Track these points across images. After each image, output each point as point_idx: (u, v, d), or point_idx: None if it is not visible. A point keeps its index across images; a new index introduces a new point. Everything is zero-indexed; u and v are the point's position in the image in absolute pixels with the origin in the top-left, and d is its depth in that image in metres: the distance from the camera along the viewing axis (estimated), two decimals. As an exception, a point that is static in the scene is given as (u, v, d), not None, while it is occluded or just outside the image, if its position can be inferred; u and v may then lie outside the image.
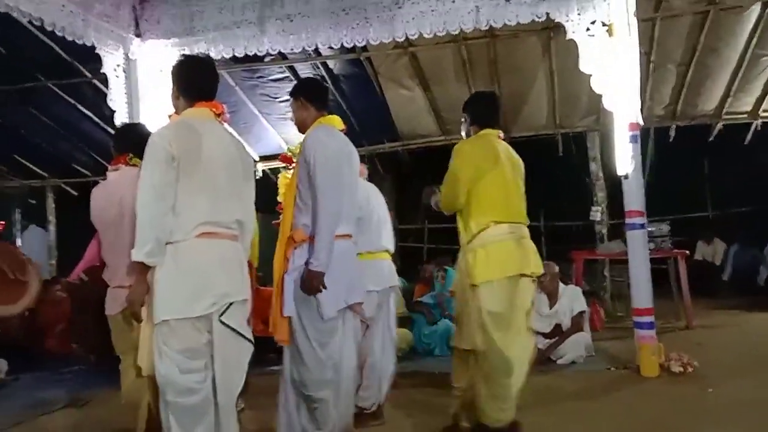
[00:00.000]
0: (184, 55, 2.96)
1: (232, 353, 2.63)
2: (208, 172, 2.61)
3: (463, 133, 3.53)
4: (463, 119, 3.53)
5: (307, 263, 2.93)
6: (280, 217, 3.32)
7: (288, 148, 3.28)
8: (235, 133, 3.10)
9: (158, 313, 2.52)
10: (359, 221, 3.82)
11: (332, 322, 3.01)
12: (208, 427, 2.56)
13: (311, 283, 2.91)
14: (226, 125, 2.83)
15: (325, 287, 2.93)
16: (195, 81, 2.78)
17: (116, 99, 5.39)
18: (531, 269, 3.26)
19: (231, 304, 2.60)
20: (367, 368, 3.83)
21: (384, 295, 3.99)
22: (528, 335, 3.31)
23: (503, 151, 3.36)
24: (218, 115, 2.78)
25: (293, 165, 3.15)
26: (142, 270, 2.55)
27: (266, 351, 6.12)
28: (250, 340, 2.69)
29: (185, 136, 2.62)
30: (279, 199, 3.40)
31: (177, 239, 2.55)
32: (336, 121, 3.24)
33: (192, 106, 2.73)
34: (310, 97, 3.23)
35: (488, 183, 3.24)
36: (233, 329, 2.60)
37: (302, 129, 3.24)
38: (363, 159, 4.06)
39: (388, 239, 4.10)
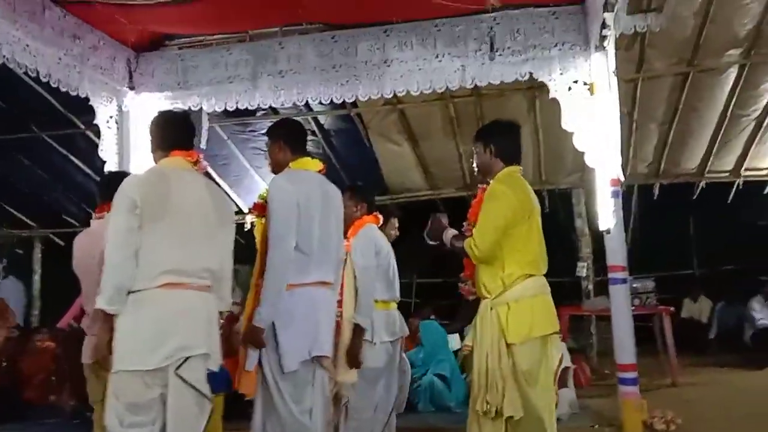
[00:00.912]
0: (160, 112, 3.05)
1: (186, 409, 2.55)
2: (175, 220, 2.60)
3: (474, 165, 3.20)
4: (477, 149, 3.14)
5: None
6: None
7: (260, 195, 3.25)
8: (221, 183, 3.12)
9: (114, 364, 2.50)
10: (378, 269, 3.85)
11: (301, 375, 2.89)
12: None
13: (250, 338, 2.83)
14: (205, 173, 2.88)
15: (263, 344, 2.82)
16: (168, 133, 2.85)
17: (107, 150, 5.46)
18: (558, 326, 3.05)
19: (188, 357, 2.53)
20: (358, 422, 3.76)
21: (395, 346, 3.99)
22: (553, 395, 3.05)
23: (533, 195, 3.08)
24: (194, 163, 2.80)
25: (263, 213, 3.11)
26: (105, 318, 2.53)
27: (248, 406, 6.07)
28: (208, 397, 2.61)
29: (152, 183, 2.65)
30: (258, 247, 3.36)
31: (139, 288, 2.53)
32: (309, 164, 3.14)
33: (167, 156, 2.78)
34: (288, 138, 3.15)
35: (524, 231, 2.95)
36: (190, 384, 2.53)
37: (277, 171, 3.14)
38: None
39: (398, 289, 4.09)
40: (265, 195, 3.07)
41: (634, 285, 6.52)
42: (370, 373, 3.76)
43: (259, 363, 2.90)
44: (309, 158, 3.20)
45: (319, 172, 3.18)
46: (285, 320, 2.88)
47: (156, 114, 3.05)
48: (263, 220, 3.03)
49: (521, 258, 2.93)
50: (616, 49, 4.80)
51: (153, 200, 2.57)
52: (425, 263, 9.57)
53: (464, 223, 3.16)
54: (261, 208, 3.09)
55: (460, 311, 8.02)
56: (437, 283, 10.66)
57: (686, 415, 4.71)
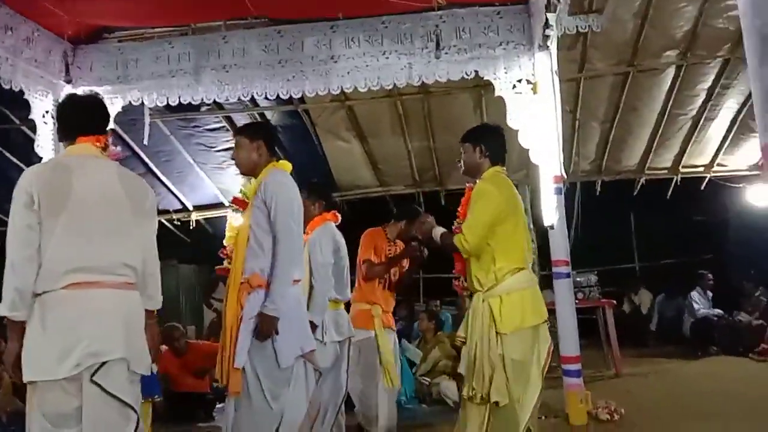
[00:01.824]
0: (67, 95, 2.77)
1: (105, 419, 2.31)
2: (77, 213, 2.37)
3: (461, 164, 3.36)
4: (466, 149, 3.33)
5: (261, 309, 2.86)
6: (224, 262, 3.22)
7: (241, 190, 3.23)
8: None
9: (24, 373, 2.29)
10: (335, 268, 3.84)
11: (288, 372, 2.93)
12: None
13: (266, 328, 2.83)
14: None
15: (278, 332, 2.86)
16: (73, 119, 2.60)
17: (44, 146, 5.25)
18: (546, 316, 3.20)
19: (105, 363, 2.31)
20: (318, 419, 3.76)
21: (342, 346, 3.97)
22: (540, 386, 3.15)
23: (517, 193, 3.29)
24: (103, 149, 2.57)
25: (246, 208, 3.11)
26: (12, 326, 2.33)
27: (197, 407, 5.97)
28: (131, 407, 2.39)
29: (50, 175, 2.42)
30: (225, 243, 3.32)
31: (44, 290, 2.32)
32: (288, 167, 3.24)
33: (73, 144, 2.54)
34: (269, 142, 3.21)
35: (511, 227, 3.14)
36: (108, 392, 2.31)
37: (249, 171, 3.18)
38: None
39: (349, 289, 4.12)
40: (246, 191, 3.08)
41: (578, 279, 6.69)
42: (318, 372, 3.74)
43: None
44: (286, 161, 3.29)
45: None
46: (283, 318, 2.89)
47: (62, 98, 2.82)
48: (237, 217, 3.04)
49: (511, 253, 3.12)
50: (559, 49, 4.89)
51: (51, 193, 2.34)
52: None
53: (455, 221, 3.31)
54: (243, 204, 3.10)
55: (405, 308, 8.09)
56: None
57: (629, 405, 4.85)
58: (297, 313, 3.01)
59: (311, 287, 3.65)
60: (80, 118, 2.59)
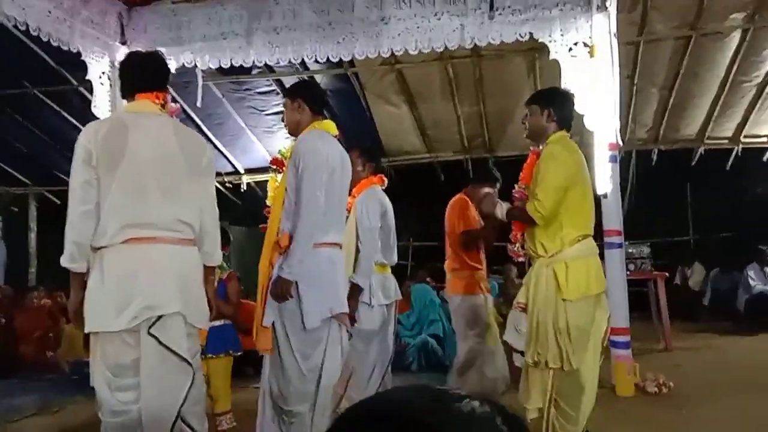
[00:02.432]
0: (128, 53, 2.78)
1: (161, 371, 2.37)
2: (135, 169, 2.39)
3: (526, 125, 3.23)
4: (533, 111, 3.19)
5: (278, 271, 2.86)
6: (268, 222, 3.23)
7: (279, 151, 3.22)
8: (216, 143, 3.02)
9: (86, 325, 2.37)
10: (381, 231, 3.84)
11: (316, 333, 2.92)
12: None
13: (279, 291, 2.84)
14: (198, 131, 2.75)
15: (291, 296, 2.85)
16: (131, 76, 2.61)
17: (100, 106, 5.37)
18: (605, 285, 3.15)
19: (161, 317, 2.36)
20: (357, 380, 3.81)
21: (390, 309, 3.99)
22: (599, 353, 3.11)
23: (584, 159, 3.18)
24: (162, 106, 2.58)
25: (284, 168, 3.10)
26: (74, 277, 2.41)
27: (244, 364, 6.11)
28: (188, 362, 2.42)
29: (108, 130, 2.43)
30: (267, 202, 3.35)
31: (102, 245, 2.36)
32: (330, 127, 3.15)
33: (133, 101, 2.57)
34: (308, 99, 3.13)
35: (580, 193, 3.04)
36: (164, 345, 2.36)
37: (294, 131, 3.14)
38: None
39: (396, 253, 4.11)
40: (285, 151, 3.05)
41: (630, 250, 6.54)
42: (367, 335, 3.78)
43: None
44: (330, 122, 3.20)
45: (335, 137, 3.16)
46: (308, 279, 2.89)
47: (125, 56, 2.83)
48: (277, 177, 3.01)
49: (578, 219, 3.03)
50: (618, 11, 4.72)
51: (108, 150, 2.37)
52: (420, 226, 9.56)
53: (516, 186, 3.26)
54: (280, 164, 3.08)
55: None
56: (433, 246, 10.69)
57: (678, 379, 4.75)
58: (326, 275, 2.97)
59: (357, 250, 3.62)
60: (140, 75, 2.61)
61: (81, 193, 2.36)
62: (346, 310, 3.10)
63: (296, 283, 2.89)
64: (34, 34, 4.59)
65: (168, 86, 2.76)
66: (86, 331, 2.38)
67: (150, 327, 2.35)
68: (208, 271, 2.64)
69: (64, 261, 2.38)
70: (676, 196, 10.11)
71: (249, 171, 8.77)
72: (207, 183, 2.66)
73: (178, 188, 2.49)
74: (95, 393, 2.43)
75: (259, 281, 3.00)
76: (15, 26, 4.57)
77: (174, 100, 6.92)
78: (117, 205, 2.37)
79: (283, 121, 3.31)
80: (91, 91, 5.63)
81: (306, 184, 2.87)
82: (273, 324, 2.92)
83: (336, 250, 3.07)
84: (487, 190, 4.15)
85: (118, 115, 2.60)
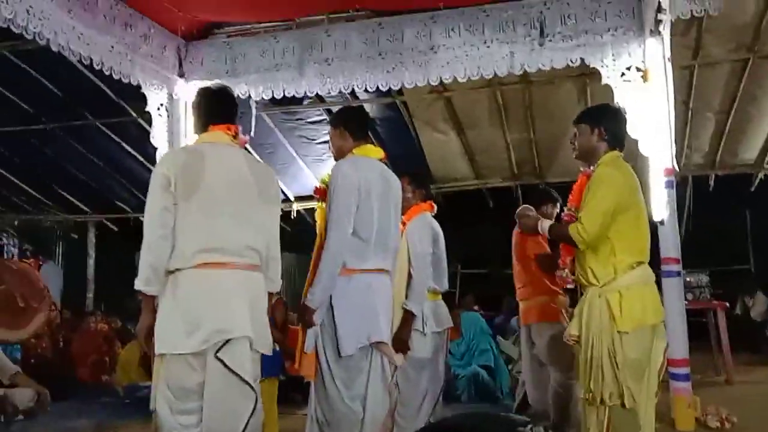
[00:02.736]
0: (200, 88, 2.88)
1: (225, 395, 2.42)
2: (210, 196, 2.49)
3: (575, 146, 3.10)
4: (582, 131, 3.06)
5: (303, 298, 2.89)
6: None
7: (322, 179, 3.26)
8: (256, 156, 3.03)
9: (156, 346, 2.43)
10: (433, 257, 3.82)
11: (356, 361, 2.91)
12: None
13: (300, 317, 2.88)
14: (246, 149, 2.76)
15: (314, 323, 2.85)
16: (204, 109, 2.73)
17: (158, 137, 5.56)
18: (663, 315, 2.99)
19: (229, 340, 2.43)
20: (407, 410, 3.76)
21: (442, 337, 3.96)
22: (656, 386, 2.95)
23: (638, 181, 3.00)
24: (234, 137, 2.69)
25: (324, 197, 3.13)
26: (146, 300, 2.48)
27: (291, 390, 6.12)
28: (251, 385, 2.48)
29: (186, 158, 2.55)
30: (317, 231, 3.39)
31: (176, 267, 2.45)
32: (370, 151, 3.14)
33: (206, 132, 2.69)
34: (349, 126, 3.15)
35: (633, 217, 2.88)
36: (230, 369, 2.42)
37: (339, 158, 3.16)
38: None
39: (447, 280, 4.09)
40: (326, 179, 3.08)
41: (688, 279, 6.33)
42: (419, 363, 3.75)
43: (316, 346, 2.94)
44: (371, 146, 3.20)
45: (380, 160, 3.17)
46: (343, 305, 2.90)
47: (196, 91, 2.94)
48: (324, 205, 3.04)
49: (632, 244, 2.88)
50: (671, 34, 4.63)
51: (186, 177, 2.47)
52: (468, 253, 9.49)
53: (565, 209, 3.15)
54: (322, 193, 3.11)
55: (503, 303, 7.97)
56: (482, 274, 10.58)
57: (741, 414, 4.56)
58: (363, 302, 2.94)
59: (410, 276, 3.57)
60: (212, 108, 2.73)
61: (159, 218, 2.45)
62: (384, 338, 3.04)
63: (332, 309, 2.89)
64: (98, 68, 4.80)
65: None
66: (156, 353, 2.44)
67: (217, 351, 2.41)
68: (269, 297, 2.71)
69: (140, 284, 2.45)
70: (735, 223, 9.80)
71: (299, 198, 8.88)
72: (275, 211, 2.76)
73: (249, 215, 2.58)
74: (151, 416, 2.47)
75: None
76: (79, 61, 4.79)
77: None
78: (193, 229, 2.46)
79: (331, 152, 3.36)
80: (147, 122, 5.85)
81: (332, 209, 2.90)
82: (317, 351, 2.92)
83: (379, 277, 3.03)
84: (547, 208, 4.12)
85: (194, 144, 2.70)
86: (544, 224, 3.12)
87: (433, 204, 4.09)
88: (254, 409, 2.49)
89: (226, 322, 2.44)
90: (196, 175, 2.49)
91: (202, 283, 2.45)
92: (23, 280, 4.63)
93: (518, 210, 3.19)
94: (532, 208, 3.24)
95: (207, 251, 2.46)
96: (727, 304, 6.94)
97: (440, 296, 4.01)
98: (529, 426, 3.10)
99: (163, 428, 2.42)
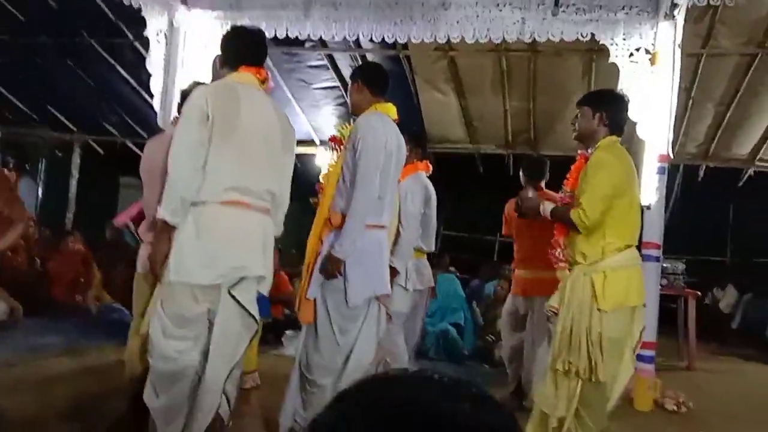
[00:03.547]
0: (233, 26, 2.91)
1: (233, 328, 2.54)
2: (243, 137, 2.53)
3: (575, 128, 3.14)
4: (584, 113, 3.08)
5: (330, 249, 2.90)
6: (319, 196, 3.28)
7: (338, 129, 3.25)
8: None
9: (168, 274, 2.47)
10: (423, 217, 3.84)
11: (357, 310, 2.98)
12: (177, 397, 2.49)
13: (329, 268, 2.89)
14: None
15: (341, 274, 2.89)
16: (238, 48, 2.74)
17: (154, 64, 5.45)
18: (644, 298, 3.07)
19: (243, 278, 2.52)
20: (386, 365, 3.83)
21: (423, 295, 4.00)
22: (632, 365, 3.08)
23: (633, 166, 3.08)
24: (263, 82, 2.70)
25: (341, 147, 3.13)
26: (165, 229, 2.48)
27: (265, 331, 6.19)
28: (255, 319, 2.61)
29: (224, 96, 2.56)
30: (320, 179, 3.39)
31: (202, 200, 2.48)
32: (390, 110, 3.15)
33: (236, 72, 2.68)
34: (367, 81, 3.14)
35: (627, 202, 2.96)
36: (241, 305, 2.53)
37: (355, 112, 3.18)
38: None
39: (434, 240, 4.12)
40: (343, 130, 3.07)
41: (664, 265, 6.41)
42: (398, 317, 3.80)
43: None
44: (391, 104, 3.18)
45: (394, 122, 3.17)
46: (356, 258, 2.92)
47: (230, 28, 2.96)
48: (336, 156, 3.04)
49: (623, 228, 2.95)
50: (685, 20, 4.58)
51: (224, 115, 2.49)
52: (453, 216, 9.52)
53: (561, 191, 3.18)
54: (338, 142, 3.11)
55: (481, 268, 8.06)
56: (463, 237, 10.65)
57: (698, 400, 4.68)
58: (374, 256, 3.02)
59: (398, 234, 3.62)
60: (245, 49, 2.73)
61: (194, 151, 2.47)
62: (389, 291, 3.15)
63: (344, 261, 2.93)
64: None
65: None
66: (166, 280, 2.48)
67: (231, 287, 2.50)
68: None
69: (165, 214, 2.45)
70: (718, 216, 9.89)
71: (290, 142, 8.82)
72: (291, 159, 2.84)
73: (273, 161, 2.66)
74: (125, 341, 2.54)
75: (306, 255, 3.04)
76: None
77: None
78: (225, 167, 2.49)
79: (343, 102, 3.35)
80: (144, 47, 5.71)
81: (363, 165, 2.89)
82: (317, 297, 2.97)
83: (383, 233, 3.12)
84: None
85: (229, 82, 2.65)
86: (547, 207, 3.13)
87: (429, 165, 4.09)
88: (250, 342, 2.66)
89: (243, 260, 2.52)
90: (233, 115, 2.52)
91: (226, 220, 2.52)
92: (3, 190, 4.55)
93: (520, 192, 3.20)
94: (534, 190, 3.24)
95: (234, 190, 2.51)
96: (699, 293, 7.07)
97: (425, 255, 4.04)
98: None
99: (153, 350, 2.50)
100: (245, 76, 2.66)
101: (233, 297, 2.50)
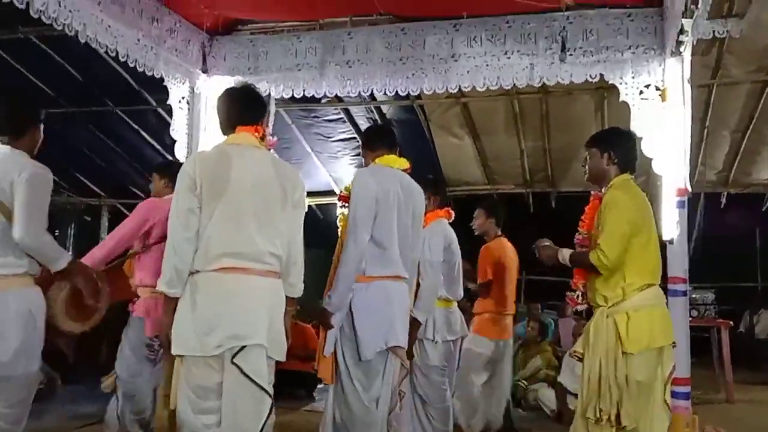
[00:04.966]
0: (225, 89, 2.87)
1: (241, 400, 2.43)
2: (233, 200, 2.48)
3: (586, 170, 3.18)
4: (593, 154, 3.13)
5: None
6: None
7: (345, 186, 3.35)
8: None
9: (173, 347, 2.46)
10: (445, 265, 3.87)
11: (374, 364, 2.99)
12: None
13: (319, 320, 2.99)
14: (271, 151, 2.78)
15: (332, 326, 2.95)
16: (232, 109, 2.71)
17: (178, 129, 5.62)
18: (673, 337, 3.03)
19: (245, 347, 2.42)
20: (435, 412, 3.90)
21: (455, 345, 4.01)
22: (665, 408, 3.01)
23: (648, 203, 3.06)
24: (261, 139, 2.67)
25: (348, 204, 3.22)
26: (167, 300, 2.48)
27: (296, 386, 6.21)
28: (266, 391, 2.48)
29: (212, 161, 2.53)
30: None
31: (197, 269, 2.45)
32: (391, 161, 3.21)
33: (233, 133, 2.67)
34: (364, 143, 3.34)
35: (643, 240, 2.93)
36: (246, 375, 2.42)
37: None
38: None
39: (461, 288, 4.13)
40: (350, 187, 3.16)
41: (693, 296, 6.37)
42: (434, 370, 3.82)
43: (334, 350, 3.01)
44: (394, 156, 3.25)
45: (404, 170, 3.24)
46: (363, 311, 2.97)
47: (222, 91, 2.90)
48: (346, 211, 3.13)
49: (642, 267, 2.93)
50: (692, 54, 4.65)
51: (212, 179, 2.46)
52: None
53: (577, 232, 3.18)
54: (346, 200, 3.19)
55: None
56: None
57: (739, 434, 4.60)
58: (381, 307, 3.02)
59: (418, 284, 3.59)
60: (239, 109, 2.70)
61: (185, 220, 2.46)
62: (403, 344, 3.11)
63: (351, 314, 2.97)
64: (123, 60, 4.86)
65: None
66: (173, 353, 2.46)
67: (233, 356, 2.41)
68: (289, 302, 2.69)
69: (162, 285, 2.46)
70: (745, 241, 9.80)
71: (311, 194, 8.95)
72: (299, 215, 2.74)
73: (273, 220, 2.57)
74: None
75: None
76: (106, 52, 4.86)
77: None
78: (216, 233, 2.46)
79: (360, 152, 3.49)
80: (166, 112, 5.91)
81: (350, 218, 2.99)
82: (336, 355, 3.00)
83: (396, 284, 3.10)
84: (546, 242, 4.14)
85: (221, 146, 2.66)
86: (565, 254, 3.10)
87: (450, 211, 4.13)
88: (269, 414, 2.50)
89: (242, 328, 2.43)
90: (223, 178, 2.49)
91: (220, 287, 2.45)
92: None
93: (537, 242, 3.22)
94: (548, 240, 3.27)
95: (228, 255, 2.46)
96: (731, 323, 6.98)
97: (454, 304, 4.04)
98: None
99: (183, 428, 2.46)
100: (242, 136, 2.64)
101: (237, 367, 2.41)
